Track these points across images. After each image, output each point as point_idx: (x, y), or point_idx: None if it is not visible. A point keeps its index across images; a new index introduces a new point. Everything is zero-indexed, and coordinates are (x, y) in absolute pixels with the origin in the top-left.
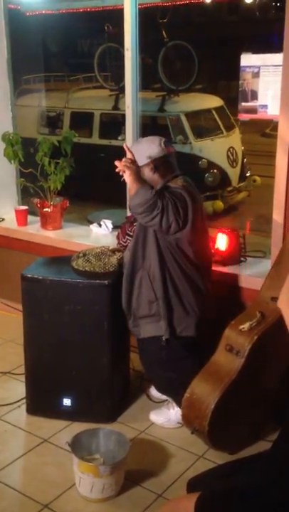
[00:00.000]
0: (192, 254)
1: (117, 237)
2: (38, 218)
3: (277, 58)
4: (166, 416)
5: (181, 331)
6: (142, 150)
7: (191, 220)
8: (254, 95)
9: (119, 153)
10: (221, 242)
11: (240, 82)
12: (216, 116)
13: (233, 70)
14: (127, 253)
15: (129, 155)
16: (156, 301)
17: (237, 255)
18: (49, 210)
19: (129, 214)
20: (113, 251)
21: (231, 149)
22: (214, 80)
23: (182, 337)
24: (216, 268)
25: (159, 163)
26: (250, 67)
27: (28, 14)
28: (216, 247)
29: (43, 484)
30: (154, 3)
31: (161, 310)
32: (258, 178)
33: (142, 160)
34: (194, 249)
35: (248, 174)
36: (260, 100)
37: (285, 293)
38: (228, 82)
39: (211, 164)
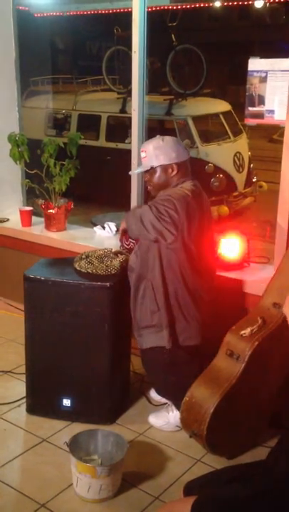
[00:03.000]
0: (197, 260)
1: (120, 239)
2: (43, 219)
3: (285, 63)
4: (165, 419)
5: (183, 340)
6: (169, 149)
7: (186, 224)
8: (261, 100)
9: (125, 156)
10: (228, 247)
11: (248, 86)
12: (224, 120)
13: (242, 75)
14: (133, 257)
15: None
16: (158, 312)
17: (242, 260)
18: (53, 212)
19: None
20: (116, 253)
21: (238, 154)
22: (223, 84)
23: (185, 346)
24: (219, 273)
25: (182, 166)
26: (257, 71)
27: (36, 16)
28: (221, 252)
29: (40, 483)
30: (163, 7)
31: (162, 320)
32: (264, 184)
33: (165, 159)
34: (199, 256)
35: (254, 180)
36: (267, 105)
37: None
38: (236, 87)
39: (218, 169)
